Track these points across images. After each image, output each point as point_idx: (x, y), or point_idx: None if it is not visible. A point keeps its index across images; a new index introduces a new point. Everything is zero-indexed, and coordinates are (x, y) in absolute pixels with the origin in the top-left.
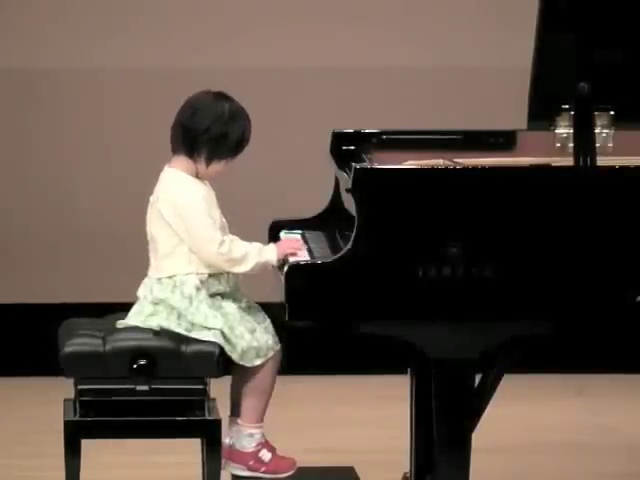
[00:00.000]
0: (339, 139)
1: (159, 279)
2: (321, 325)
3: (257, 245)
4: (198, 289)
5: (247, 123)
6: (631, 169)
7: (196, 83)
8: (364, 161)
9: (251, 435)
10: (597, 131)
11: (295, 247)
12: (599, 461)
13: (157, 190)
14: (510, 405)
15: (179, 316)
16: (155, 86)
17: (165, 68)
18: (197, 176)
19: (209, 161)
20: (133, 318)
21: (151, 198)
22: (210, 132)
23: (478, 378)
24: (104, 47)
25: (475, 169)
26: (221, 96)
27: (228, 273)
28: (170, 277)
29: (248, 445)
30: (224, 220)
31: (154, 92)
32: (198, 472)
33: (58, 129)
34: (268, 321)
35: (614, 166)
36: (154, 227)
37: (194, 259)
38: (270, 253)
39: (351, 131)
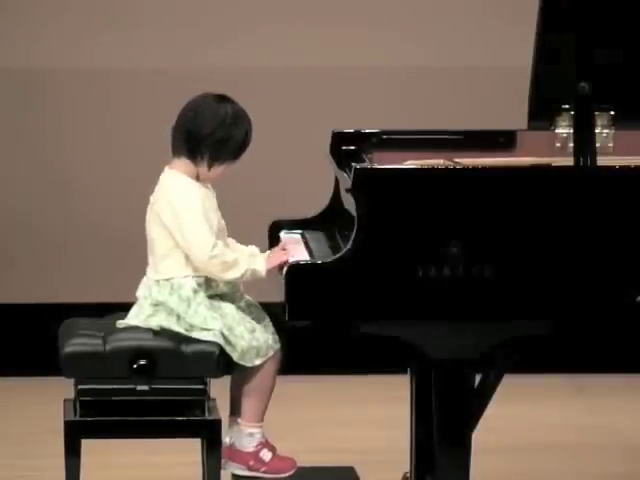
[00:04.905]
0: (339, 139)
1: (157, 281)
2: (321, 325)
3: (250, 249)
4: (196, 291)
5: (248, 125)
6: (631, 169)
7: (197, 83)
8: (364, 161)
9: (251, 435)
10: (597, 131)
11: (284, 258)
12: (599, 461)
13: (156, 192)
14: (510, 405)
15: (178, 318)
16: (157, 86)
17: (166, 68)
18: (198, 179)
19: (211, 164)
20: (133, 318)
21: (151, 198)
22: (214, 136)
23: (478, 378)
24: (107, 47)
25: (475, 169)
26: (222, 99)
27: None
28: (167, 280)
29: (248, 445)
30: (223, 223)
31: (157, 92)
32: (198, 472)
33: (59, 129)
34: (268, 319)
35: (614, 166)
36: (152, 228)
37: (191, 261)
38: (260, 263)
39: (351, 131)
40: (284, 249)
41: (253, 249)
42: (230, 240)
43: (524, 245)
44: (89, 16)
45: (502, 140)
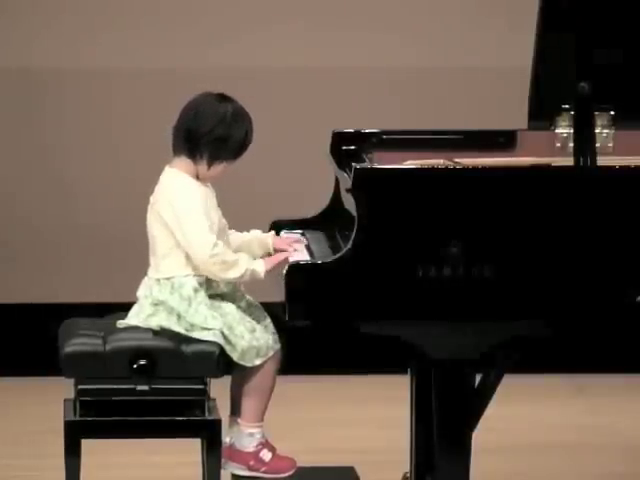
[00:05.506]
0: (339, 139)
1: (158, 280)
2: (321, 325)
3: (252, 233)
4: (196, 290)
5: (249, 124)
6: (631, 169)
7: (198, 83)
8: (364, 161)
9: (251, 435)
10: (597, 131)
11: (282, 258)
12: (599, 461)
13: (157, 191)
14: (510, 405)
15: (179, 317)
16: (158, 86)
17: (167, 68)
18: (198, 178)
19: (211, 163)
20: (133, 318)
21: (151, 198)
22: (213, 134)
23: (478, 378)
24: (107, 47)
25: (475, 169)
26: (223, 98)
27: None
28: (168, 279)
29: (248, 445)
30: (224, 221)
31: (157, 92)
32: (198, 472)
33: (59, 129)
34: (268, 319)
35: (614, 166)
36: (153, 227)
37: (192, 261)
38: (259, 264)
39: (351, 131)
40: (288, 246)
41: (256, 233)
42: (230, 231)
43: (524, 245)
44: (89, 16)
45: (502, 140)
